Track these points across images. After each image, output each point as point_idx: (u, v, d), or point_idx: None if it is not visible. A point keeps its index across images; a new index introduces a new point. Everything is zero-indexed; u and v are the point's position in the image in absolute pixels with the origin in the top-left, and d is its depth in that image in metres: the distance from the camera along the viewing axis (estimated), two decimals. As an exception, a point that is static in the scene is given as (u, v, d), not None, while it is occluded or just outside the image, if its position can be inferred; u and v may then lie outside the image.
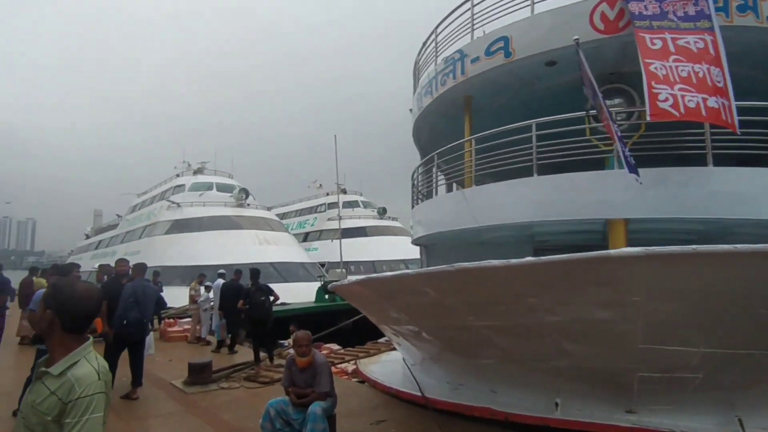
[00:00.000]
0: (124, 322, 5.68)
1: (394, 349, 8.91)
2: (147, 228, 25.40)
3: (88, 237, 43.06)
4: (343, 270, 17.72)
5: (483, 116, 7.71)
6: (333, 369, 7.62)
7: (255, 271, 8.69)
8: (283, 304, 17.36)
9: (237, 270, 9.96)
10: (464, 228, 6.29)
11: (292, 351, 10.55)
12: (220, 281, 10.10)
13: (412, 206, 9.38)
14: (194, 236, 21.38)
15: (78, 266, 10.13)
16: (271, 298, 8.36)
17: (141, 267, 6.52)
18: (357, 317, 13.06)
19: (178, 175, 27.89)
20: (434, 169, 7.24)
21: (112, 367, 6.37)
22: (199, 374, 6.35)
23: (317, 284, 17.78)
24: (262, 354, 8.08)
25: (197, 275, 17.98)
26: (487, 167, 6.25)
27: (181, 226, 22.38)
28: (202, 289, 10.87)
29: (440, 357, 5.06)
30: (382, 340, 10.88)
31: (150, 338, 6.16)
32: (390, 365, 7.57)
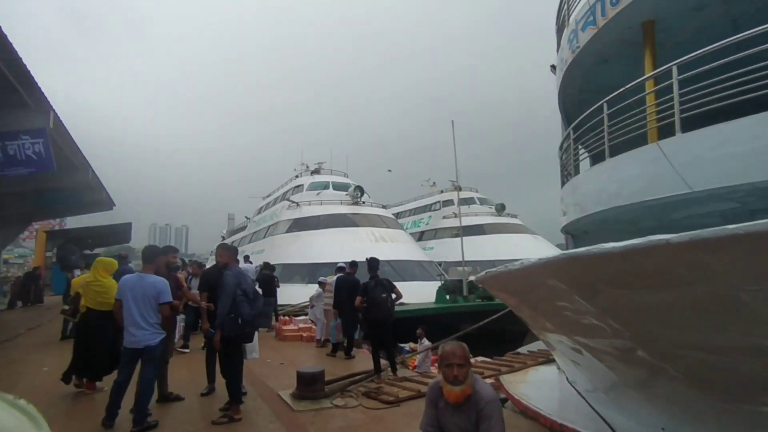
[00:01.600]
0: (239, 320, 4.60)
1: (545, 363, 7.11)
2: (270, 228, 26.44)
3: (223, 239, 47.20)
4: (466, 268, 16.10)
5: (666, 50, 5.63)
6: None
7: (373, 261, 7.19)
8: (401, 304, 16.44)
9: (352, 262, 8.84)
10: (658, 199, 4.37)
11: (420, 359, 9.33)
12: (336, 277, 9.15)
13: (562, 184, 7.52)
14: (312, 234, 21.46)
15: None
16: (393, 296, 7.02)
17: (229, 249, 5.30)
18: (488, 320, 11.43)
19: (297, 176, 28.75)
20: (605, 120, 5.30)
21: (212, 376, 5.63)
22: (310, 386, 5.25)
23: (436, 284, 16.41)
24: (383, 362, 6.84)
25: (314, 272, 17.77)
26: (690, 107, 4.24)
27: (301, 224, 22.69)
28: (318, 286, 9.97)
29: (652, 385, 3.28)
30: (522, 350, 9.06)
31: (255, 340, 5.29)
32: (546, 387, 5.85)
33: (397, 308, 14.15)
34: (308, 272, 19.40)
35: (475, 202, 32.94)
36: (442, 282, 15.95)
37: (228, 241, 41.55)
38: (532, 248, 27.85)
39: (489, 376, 6.46)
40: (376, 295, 6.74)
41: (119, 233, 26.36)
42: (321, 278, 9.91)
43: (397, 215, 37.31)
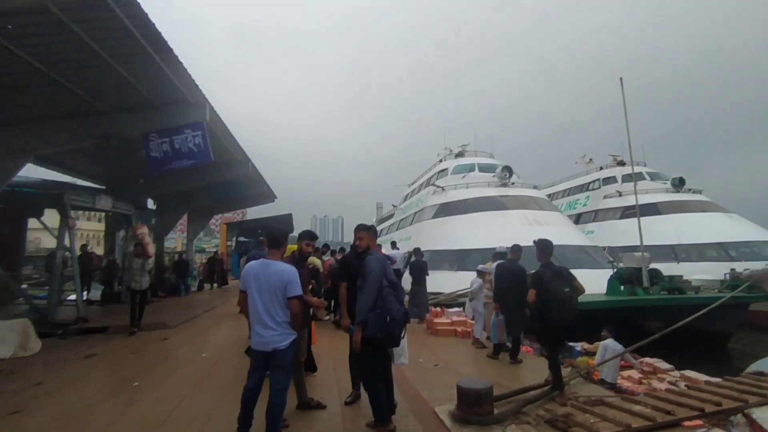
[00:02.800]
0: (387, 318, 3.85)
1: None
2: (416, 214, 26.36)
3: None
4: (645, 254, 13.66)
5: None
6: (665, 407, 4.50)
7: (546, 244, 5.44)
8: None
9: (514, 247, 7.56)
10: None
11: (608, 368, 7.57)
12: (495, 264, 8.03)
13: None
14: (460, 219, 20.65)
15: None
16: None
17: (369, 230, 4.68)
18: (687, 320, 9.38)
19: (441, 161, 28.14)
20: None
21: (358, 381, 4.84)
22: (475, 407, 4.31)
23: (606, 272, 14.26)
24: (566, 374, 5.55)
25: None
26: None
27: (447, 209, 22.07)
28: (475, 274, 8.94)
29: None
30: (754, 368, 6.96)
31: (404, 342, 4.23)
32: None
33: None
34: (457, 259, 18.69)
35: (644, 178, 28.41)
36: (615, 270, 13.77)
37: (378, 229, 43.10)
38: (728, 229, 22.90)
39: (728, 410, 4.83)
40: (557, 289, 5.04)
41: (283, 223, 28.94)
42: (480, 266, 8.98)
43: (549, 197, 34.28)
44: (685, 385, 6.32)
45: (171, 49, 6.97)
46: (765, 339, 15.42)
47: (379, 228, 41.79)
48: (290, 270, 3.81)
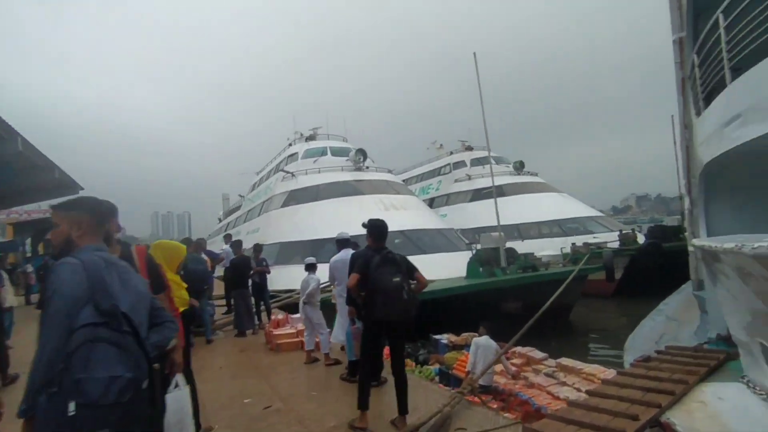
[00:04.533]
0: (71, 409, 1.76)
1: (709, 375, 4.24)
2: (264, 204, 23.51)
3: (220, 221, 44.31)
4: (501, 234, 13.18)
5: None
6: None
7: (378, 226, 4.31)
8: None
9: (340, 238, 5.96)
10: None
11: (482, 367, 5.24)
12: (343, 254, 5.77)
13: (700, 110, 4.64)
14: (312, 206, 18.50)
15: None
16: (412, 283, 4.09)
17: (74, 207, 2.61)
18: (553, 297, 8.63)
19: (290, 144, 25.58)
20: None
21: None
22: None
23: (466, 255, 13.52)
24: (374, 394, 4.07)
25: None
26: None
27: (298, 196, 19.72)
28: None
29: None
30: (629, 354, 6.08)
31: (180, 405, 2.32)
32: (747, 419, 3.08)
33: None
34: (310, 250, 16.54)
35: (491, 162, 29.73)
36: (474, 252, 13.05)
37: (225, 222, 38.61)
38: (563, 208, 24.84)
39: (648, 422, 3.52)
40: (384, 277, 3.90)
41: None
42: (309, 259, 6.97)
43: (404, 182, 34.22)
44: (586, 391, 5.12)
45: None
46: (596, 305, 16.49)
47: (225, 221, 37.53)
48: None
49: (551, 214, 24.37)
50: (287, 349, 6.72)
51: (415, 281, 4.15)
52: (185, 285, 4.09)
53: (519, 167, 28.79)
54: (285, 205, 19.97)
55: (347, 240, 5.98)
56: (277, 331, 7.07)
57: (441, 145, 35.96)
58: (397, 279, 3.93)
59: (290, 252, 17.06)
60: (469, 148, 31.85)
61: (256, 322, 8.53)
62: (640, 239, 18.39)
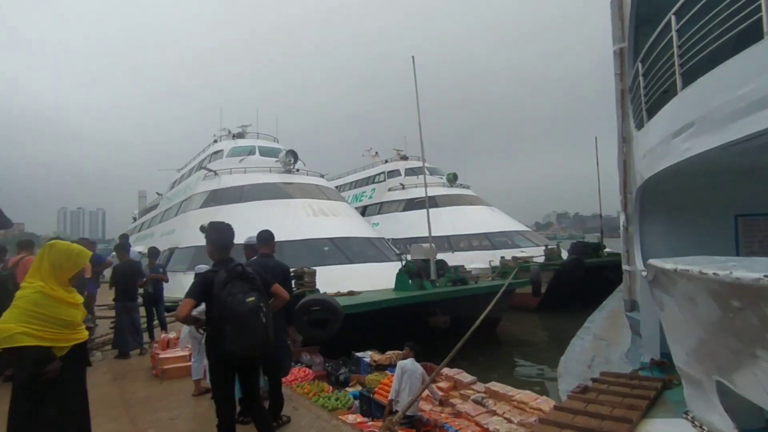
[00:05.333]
0: None
1: (652, 408, 3.83)
2: (183, 203, 21.61)
3: (135, 220, 40.84)
4: (432, 245, 12.74)
5: None
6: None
7: (216, 229, 3.53)
8: (351, 293, 12.80)
9: (263, 235, 5.00)
10: None
11: (406, 393, 3.86)
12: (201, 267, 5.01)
13: (641, 121, 4.33)
14: (234, 208, 17.07)
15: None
16: (270, 301, 3.38)
17: None
18: (484, 313, 8.24)
19: (215, 141, 23.84)
20: None
21: None
22: None
23: (395, 265, 12.91)
24: None
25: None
26: None
27: (220, 197, 18.20)
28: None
29: None
30: (562, 382, 5.64)
31: None
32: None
33: (348, 300, 10.28)
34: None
35: (425, 172, 29.70)
36: (404, 263, 12.48)
37: (140, 221, 35.53)
38: (492, 221, 25.18)
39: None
40: (232, 299, 3.04)
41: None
42: (199, 267, 5.97)
43: (337, 189, 33.38)
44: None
45: None
46: (521, 318, 16.61)
47: (140, 221, 34.52)
48: None
49: (481, 226, 24.62)
50: (175, 376, 5.55)
51: (273, 298, 3.39)
52: (80, 301, 3.00)
53: (452, 179, 28.98)
54: (205, 205, 18.34)
55: (251, 246, 5.09)
56: (164, 354, 5.90)
57: (376, 152, 35.56)
58: (252, 298, 3.08)
59: (206, 257, 15.56)
60: (404, 158, 31.68)
61: (146, 340, 7.27)
62: (564, 255, 18.89)
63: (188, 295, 3.17)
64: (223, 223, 3.59)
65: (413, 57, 13.25)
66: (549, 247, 19.25)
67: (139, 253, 12.74)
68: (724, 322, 2.63)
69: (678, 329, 3.50)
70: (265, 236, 4.87)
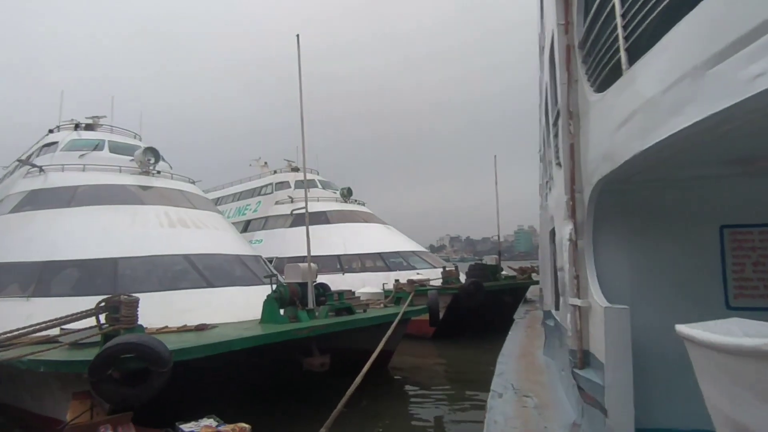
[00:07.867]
0: None
1: None
2: (-3, 207, 16.57)
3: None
4: (313, 265, 10.25)
5: None
6: None
7: None
8: (201, 328, 9.75)
9: None
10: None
11: None
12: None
13: (609, 77, 2.41)
14: (57, 214, 13.04)
15: None
16: None
17: None
18: (375, 354, 6.21)
19: (51, 131, 19.01)
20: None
21: None
22: None
23: (265, 290, 10.15)
24: None
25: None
26: None
27: (40, 199, 13.91)
28: None
29: None
30: None
31: None
32: None
33: (186, 341, 7.96)
34: (37, 277, 11.19)
35: (316, 186, 27.28)
36: (274, 288, 9.78)
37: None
38: (387, 240, 23.42)
39: None
40: None
41: None
42: None
43: (217, 201, 29.49)
44: None
45: None
46: (415, 348, 14.79)
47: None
48: None
49: (376, 246, 22.74)
50: None
51: None
52: None
53: (347, 194, 26.93)
54: (18, 209, 13.89)
55: None
56: None
57: (265, 162, 32.40)
58: None
59: (6, 278, 11.43)
60: (296, 169, 28.99)
61: None
62: (462, 277, 17.62)
63: None
64: None
65: (297, 36, 10.90)
66: (447, 269, 17.85)
67: None
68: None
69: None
70: None
